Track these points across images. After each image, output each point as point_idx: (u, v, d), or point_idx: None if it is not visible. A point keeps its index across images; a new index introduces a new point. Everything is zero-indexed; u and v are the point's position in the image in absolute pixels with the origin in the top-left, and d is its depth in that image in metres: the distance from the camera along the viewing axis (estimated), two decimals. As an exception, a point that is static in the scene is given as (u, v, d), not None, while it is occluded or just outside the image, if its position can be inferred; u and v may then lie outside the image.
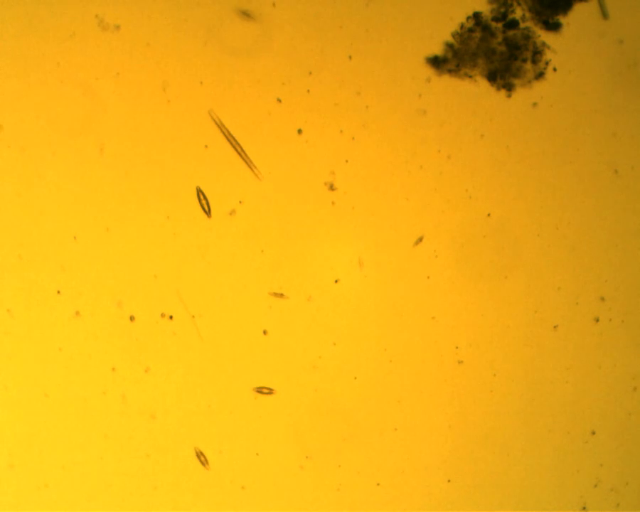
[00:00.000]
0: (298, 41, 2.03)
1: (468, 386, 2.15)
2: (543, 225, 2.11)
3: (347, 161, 2.07)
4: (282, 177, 2.07)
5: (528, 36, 2.02)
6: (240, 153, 2.04)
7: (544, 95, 2.06)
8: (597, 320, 2.14)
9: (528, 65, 2.04)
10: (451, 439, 2.17)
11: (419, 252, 2.10)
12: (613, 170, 2.10)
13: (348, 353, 2.13)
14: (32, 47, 2.01)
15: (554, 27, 2.03)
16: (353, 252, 2.10)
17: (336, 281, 2.11)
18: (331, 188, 2.08)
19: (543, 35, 2.03)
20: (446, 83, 2.05)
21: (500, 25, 2.02)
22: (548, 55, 2.04)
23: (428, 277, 2.10)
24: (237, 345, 2.12)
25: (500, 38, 2.03)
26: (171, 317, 2.10)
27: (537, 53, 2.03)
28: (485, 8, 2.02)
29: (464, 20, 2.02)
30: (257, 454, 2.16)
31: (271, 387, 2.14)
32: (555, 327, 2.14)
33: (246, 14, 2.02)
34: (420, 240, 2.10)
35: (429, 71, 2.05)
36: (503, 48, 2.03)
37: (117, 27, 2.01)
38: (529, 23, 2.02)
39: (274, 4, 2.01)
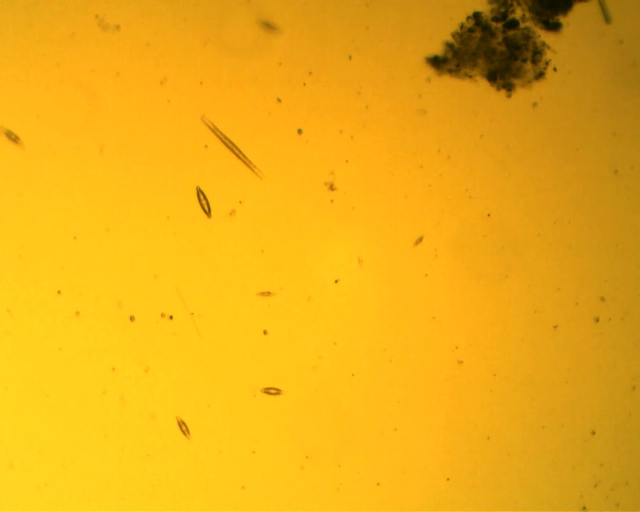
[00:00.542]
0: (298, 41, 2.03)
1: (468, 386, 2.15)
2: (543, 225, 2.11)
3: (347, 161, 2.07)
4: (282, 177, 2.07)
5: (528, 36, 2.02)
6: (237, 155, 2.04)
7: (544, 95, 2.06)
8: (597, 320, 2.14)
9: (528, 65, 2.04)
10: (451, 439, 2.17)
11: (419, 252, 2.10)
12: (613, 170, 2.10)
13: (348, 353, 2.13)
14: (32, 47, 2.01)
15: (554, 27, 2.03)
16: (353, 252, 2.10)
17: (336, 281, 2.11)
18: (331, 188, 2.08)
19: (543, 35, 2.03)
20: (446, 83, 2.05)
21: (500, 25, 2.02)
22: (548, 55, 2.04)
23: (426, 275, 2.10)
24: (237, 345, 2.12)
25: (500, 38, 2.03)
26: (171, 317, 2.10)
27: (537, 53, 2.03)
28: (485, 8, 2.02)
29: (464, 20, 2.02)
30: (256, 453, 2.16)
31: (271, 387, 2.14)
32: (555, 327, 2.14)
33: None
34: (420, 239, 2.10)
35: (429, 71, 2.05)
36: (503, 48, 2.03)
37: (117, 27, 2.01)
38: (529, 23, 2.02)
39: (274, 4, 2.01)
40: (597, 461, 2.21)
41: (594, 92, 2.07)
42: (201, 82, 2.03)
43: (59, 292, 2.08)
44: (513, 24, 2.02)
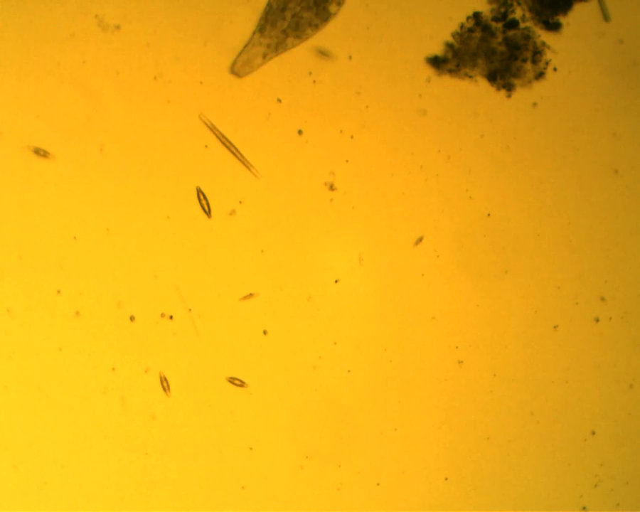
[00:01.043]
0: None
1: (468, 386, 2.15)
2: (543, 225, 2.11)
3: (347, 161, 2.07)
4: (282, 177, 2.08)
5: (528, 36, 2.02)
6: (234, 153, 2.05)
7: (544, 95, 2.06)
8: (597, 320, 2.14)
9: (528, 65, 2.04)
10: (451, 439, 2.17)
11: (419, 252, 2.10)
12: (613, 170, 2.10)
13: (348, 353, 2.13)
14: (32, 47, 2.01)
15: (554, 27, 2.03)
16: (353, 252, 2.10)
17: (336, 281, 2.11)
18: (331, 188, 2.08)
19: (543, 35, 2.03)
20: (446, 83, 2.05)
21: (500, 25, 2.02)
22: (548, 55, 2.04)
23: (422, 275, 2.10)
24: (237, 345, 2.12)
25: (500, 38, 2.03)
26: (171, 317, 2.10)
27: (537, 53, 2.03)
28: (485, 8, 2.02)
29: (464, 20, 2.02)
30: (256, 452, 2.16)
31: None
32: (555, 327, 2.14)
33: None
34: (420, 239, 2.10)
35: (429, 71, 2.05)
36: (503, 48, 2.03)
37: (117, 27, 2.01)
38: (529, 23, 2.02)
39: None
40: (597, 461, 2.21)
41: (594, 92, 2.07)
42: (201, 82, 2.03)
43: (59, 292, 2.08)
44: (513, 24, 2.02)
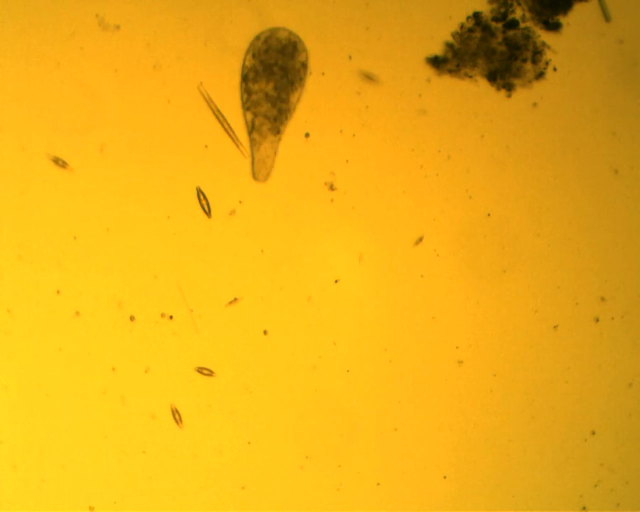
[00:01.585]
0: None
1: (468, 386, 2.15)
2: (543, 225, 2.11)
3: (347, 161, 2.07)
4: (282, 177, 2.07)
5: (528, 36, 2.02)
6: (226, 130, 2.04)
7: (544, 95, 2.06)
8: (597, 320, 2.14)
9: (528, 65, 2.04)
10: (451, 439, 2.17)
11: (420, 252, 2.10)
12: (613, 170, 2.10)
13: (347, 353, 2.13)
14: (32, 47, 2.01)
15: (554, 27, 2.03)
16: (353, 252, 2.10)
17: (336, 281, 2.11)
18: (331, 188, 2.08)
19: (543, 35, 2.03)
20: (446, 83, 2.05)
21: (500, 25, 2.02)
22: (548, 55, 2.04)
23: (422, 275, 2.10)
24: (237, 345, 2.12)
25: (500, 38, 2.03)
26: (171, 317, 2.10)
27: (537, 53, 2.03)
28: (485, 8, 2.02)
29: (464, 20, 2.02)
30: (256, 452, 2.16)
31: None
32: (555, 327, 2.14)
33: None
34: (420, 239, 2.10)
35: (429, 71, 2.05)
36: (503, 48, 2.03)
37: (117, 27, 2.01)
38: (529, 23, 2.02)
39: (274, 4, 2.01)
40: (597, 461, 2.21)
41: (594, 92, 2.07)
42: (201, 82, 2.03)
43: (59, 292, 2.08)
44: (513, 24, 2.02)
